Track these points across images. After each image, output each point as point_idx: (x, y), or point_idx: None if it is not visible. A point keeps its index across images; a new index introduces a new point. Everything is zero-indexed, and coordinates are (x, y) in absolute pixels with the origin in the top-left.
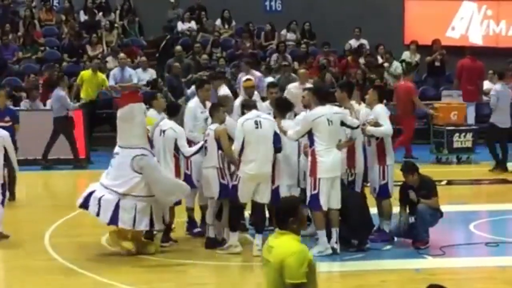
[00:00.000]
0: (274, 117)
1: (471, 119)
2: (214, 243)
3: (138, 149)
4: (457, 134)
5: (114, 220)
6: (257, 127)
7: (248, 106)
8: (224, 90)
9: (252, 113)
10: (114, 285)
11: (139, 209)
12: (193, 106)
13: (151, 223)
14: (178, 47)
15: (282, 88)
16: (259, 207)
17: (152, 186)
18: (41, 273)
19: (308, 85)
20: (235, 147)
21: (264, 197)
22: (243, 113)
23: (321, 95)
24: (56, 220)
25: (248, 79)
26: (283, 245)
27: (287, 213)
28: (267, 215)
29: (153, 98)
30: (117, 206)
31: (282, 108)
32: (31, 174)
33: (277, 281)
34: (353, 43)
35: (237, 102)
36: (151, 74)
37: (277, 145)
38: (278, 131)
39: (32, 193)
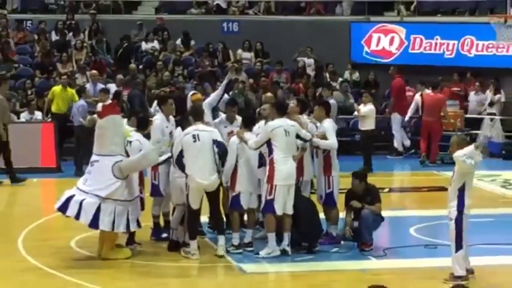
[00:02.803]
0: (240, 128)
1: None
2: (177, 246)
3: (119, 156)
4: None
5: (94, 222)
6: (194, 141)
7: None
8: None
9: (192, 127)
10: (82, 285)
11: (118, 213)
12: (159, 121)
13: (127, 226)
14: (132, 65)
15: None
16: (213, 208)
17: (136, 163)
18: (14, 274)
19: None
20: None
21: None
22: (183, 128)
23: (280, 108)
24: (28, 224)
25: (195, 93)
26: None
27: None
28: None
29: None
30: (98, 209)
31: (248, 121)
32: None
33: None
34: (306, 61)
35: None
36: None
37: (221, 150)
38: (219, 139)
39: (4, 199)
